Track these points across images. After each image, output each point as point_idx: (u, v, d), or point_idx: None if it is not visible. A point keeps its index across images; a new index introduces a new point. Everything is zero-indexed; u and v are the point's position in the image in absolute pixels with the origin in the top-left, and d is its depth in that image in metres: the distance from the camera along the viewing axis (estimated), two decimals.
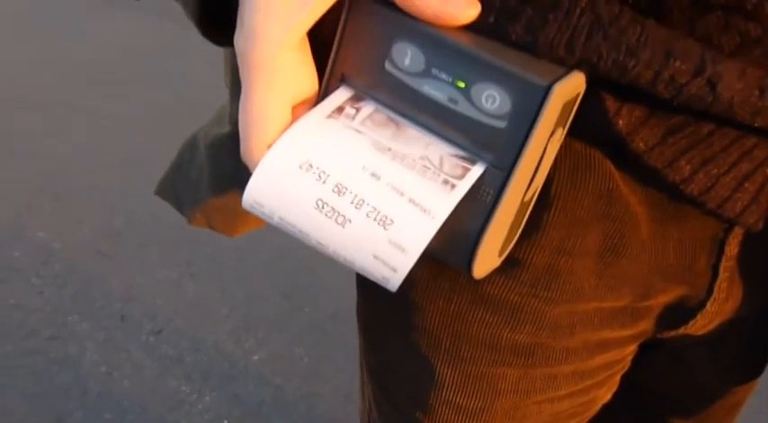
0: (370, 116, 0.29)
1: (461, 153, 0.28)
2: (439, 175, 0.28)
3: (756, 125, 0.27)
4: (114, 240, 1.65)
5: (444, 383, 0.41)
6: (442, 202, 0.27)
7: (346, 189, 0.27)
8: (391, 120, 0.29)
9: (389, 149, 0.28)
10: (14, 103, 2.12)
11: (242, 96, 0.29)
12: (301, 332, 1.45)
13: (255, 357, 1.39)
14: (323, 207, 0.27)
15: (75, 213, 1.73)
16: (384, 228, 0.27)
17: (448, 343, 0.39)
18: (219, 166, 0.43)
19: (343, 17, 0.29)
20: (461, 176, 0.28)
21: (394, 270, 0.27)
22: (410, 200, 0.27)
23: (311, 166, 0.28)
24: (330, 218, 0.27)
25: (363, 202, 0.27)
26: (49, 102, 2.15)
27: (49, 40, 2.48)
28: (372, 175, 0.27)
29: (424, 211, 0.27)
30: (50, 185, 1.81)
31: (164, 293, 1.52)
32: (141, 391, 1.32)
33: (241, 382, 1.34)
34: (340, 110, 0.29)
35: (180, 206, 0.49)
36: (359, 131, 0.29)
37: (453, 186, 0.27)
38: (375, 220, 0.27)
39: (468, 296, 0.37)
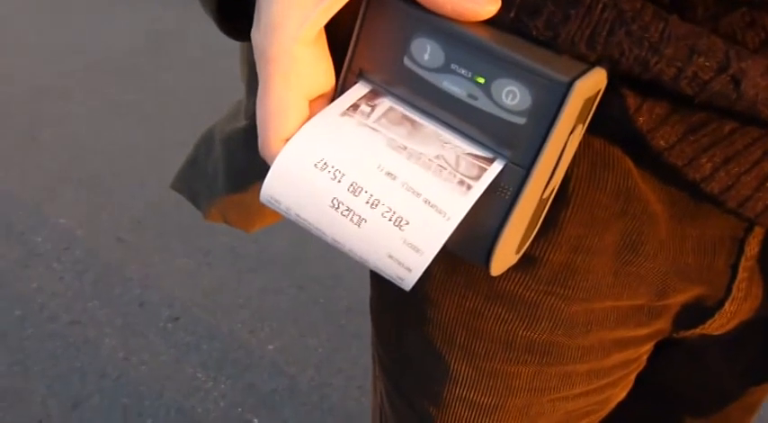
0: (385, 114, 0.29)
1: (478, 152, 0.28)
2: (455, 176, 0.27)
3: None
4: (134, 228, 1.67)
5: (458, 379, 0.41)
6: (457, 204, 0.27)
7: (362, 189, 0.27)
8: (406, 118, 0.29)
9: (405, 148, 0.28)
10: (38, 92, 2.15)
11: (259, 90, 0.29)
12: (316, 323, 1.45)
13: (270, 347, 1.40)
14: (338, 206, 0.27)
15: (96, 201, 1.75)
16: (399, 228, 0.27)
17: (462, 339, 0.39)
18: (235, 160, 0.43)
19: (361, 12, 0.29)
20: (477, 177, 0.27)
21: (408, 270, 0.27)
22: (426, 200, 0.27)
23: (326, 164, 0.28)
24: (346, 217, 0.27)
25: (379, 202, 0.27)
26: (73, 90, 2.17)
27: (73, 29, 2.50)
28: (388, 174, 0.27)
29: (440, 212, 0.27)
30: (73, 173, 1.83)
31: (181, 281, 1.54)
32: (158, 376, 1.33)
33: (256, 370, 1.35)
34: (355, 107, 0.29)
35: (195, 200, 0.49)
36: (374, 129, 0.28)
37: (469, 187, 0.27)
38: (390, 220, 0.27)
39: (483, 292, 0.37)
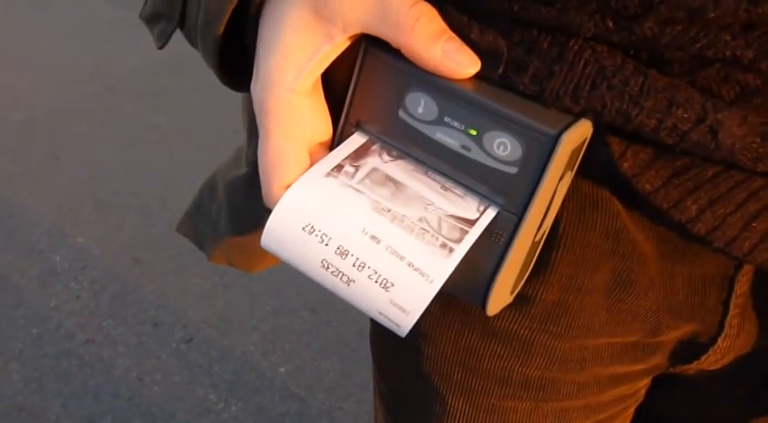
0: (368, 175, 0.30)
1: (459, 214, 0.29)
2: (437, 239, 0.28)
3: (759, 170, 0.27)
4: (151, 248, 1.69)
5: (455, 415, 0.42)
6: (440, 267, 0.28)
7: (348, 252, 0.28)
8: (389, 178, 0.30)
9: (389, 211, 0.29)
10: (61, 113, 2.20)
11: (260, 142, 0.30)
12: (328, 347, 1.46)
13: (282, 369, 1.41)
14: (328, 267, 0.29)
15: (114, 220, 1.78)
16: (385, 290, 0.28)
17: (459, 375, 0.40)
18: (237, 206, 0.44)
19: (357, 67, 0.30)
20: (459, 240, 0.28)
21: (398, 326, 0.28)
22: (409, 264, 0.28)
23: (314, 228, 0.29)
24: (336, 276, 0.29)
25: (365, 265, 0.28)
26: (95, 112, 2.22)
27: (96, 51, 2.56)
28: (372, 238, 0.28)
29: (423, 275, 0.28)
30: (92, 193, 1.87)
31: (196, 303, 1.55)
32: (170, 397, 1.35)
33: (266, 393, 1.36)
34: (339, 168, 0.30)
35: (200, 243, 0.51)
36: (358, 191, 0.29)
37: (451, 250, 0.28)
38: (376, 282, 0.28)
39: (479, 330, 0.38)
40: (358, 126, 0.31)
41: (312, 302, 1.55)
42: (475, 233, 0.28)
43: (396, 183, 0.30)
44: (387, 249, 0.28)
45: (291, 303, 1.55)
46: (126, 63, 2.50)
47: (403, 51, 0.28)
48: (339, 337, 1.48)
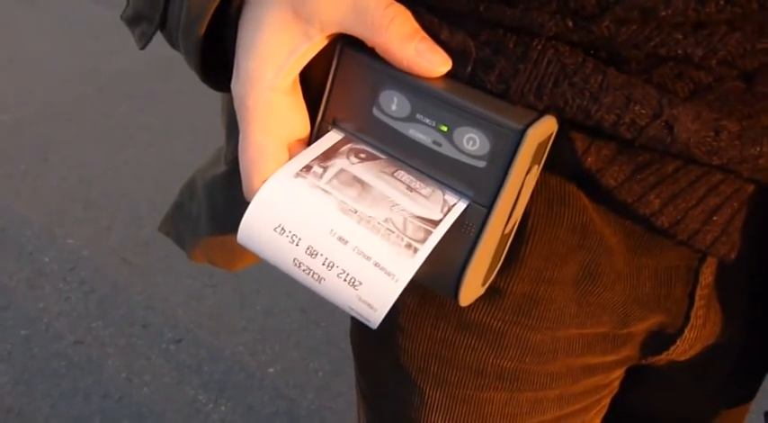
0: (336, 176, 0.31)
1: (424, 215, 0.30)
2: (402, 239, 0.30)
3: (714, 164, 0.28)
4: (140, 250, 1.69)
5: (433, 407, 0.43)
6: (404, 267, 0.29)
7: (317, 252, 0.29)
8: (357, 179, 0.31)
9: (355, 212, 0.30)
10: (50, 114, 2.20)
11: (240, 138, 0.31)
12: (317, 346, 1.47)
13: (271, 370, 1.41)
14: (299, 265, 0.30)
15: (104, 222, 1.78)
16: (354, 287, 0.29)
17: (435, 367, 0.41)
18: (216, 204, 0.45)
19: (333, 66, 0.31)
20: (423, 240, 0.30)
21: (368, 320, 0.30)
22: (376, 264, 0.29)
23: (284, 229, 0.30)
24: (307, 274, 0.30)
25: (333, 264, 0.29)
26: (84, 112, 2.22)
27: (86, 53, 2.56)
28: (340, 239, 0.29)
29: (389, 274, 0.29)
30: (82, 194, 1.87)
31: (185, 303, 1.56)
32: (159, 398, 1.35)
33: (256, 393, 1.37)
34: (308, 168, 0.31)
35: (181, 242, 0.52)
36: (326, 191, 0.31)
37: (416, 250, 0.29)
38: (345, 280, 0.29)
39: (454, 323, 0.39)
40: (334, 124, 0.33)
41: (301, 302, 1.56)
42: (439, 234, 0.30)
43: (362, 184, 0.31)
44: (354, 250, 0.29)
45: (281, 304, 1.56)
46: (115, 64, 2.50)
47: (378, 50, 0.29)
48: (328, 338, 1.48)
